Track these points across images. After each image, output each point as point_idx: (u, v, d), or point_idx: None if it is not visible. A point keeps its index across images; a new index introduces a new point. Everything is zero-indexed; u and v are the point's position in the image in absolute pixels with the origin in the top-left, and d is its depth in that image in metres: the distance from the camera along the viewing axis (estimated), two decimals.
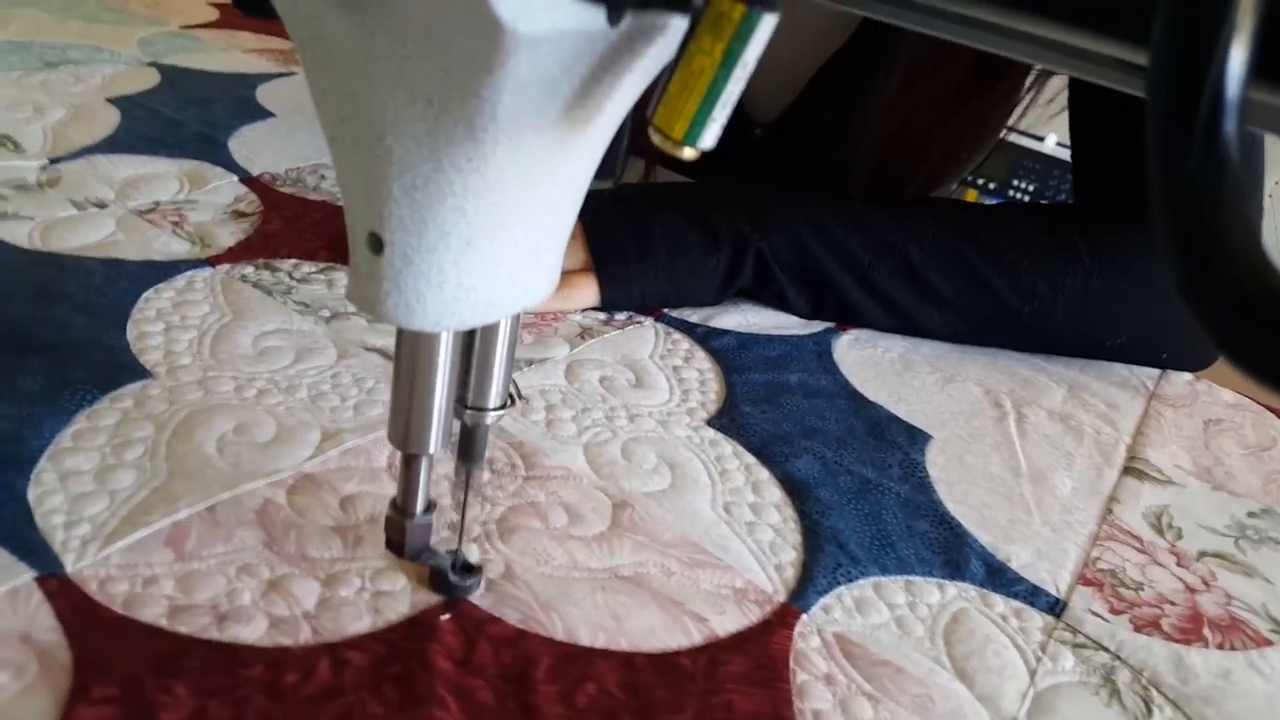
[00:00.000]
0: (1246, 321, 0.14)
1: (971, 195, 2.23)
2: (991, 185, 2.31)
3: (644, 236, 0.61)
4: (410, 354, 0.31)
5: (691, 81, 0.21)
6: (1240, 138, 0.14)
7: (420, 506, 0.35)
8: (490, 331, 0.33)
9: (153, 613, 0.33)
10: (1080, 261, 0.63)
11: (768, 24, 0.21)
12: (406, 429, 0.32)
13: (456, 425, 0.35)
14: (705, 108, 0.21)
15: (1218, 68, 0.14)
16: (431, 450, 0.33)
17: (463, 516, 0.36)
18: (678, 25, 0.23)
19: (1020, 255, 0.63)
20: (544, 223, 0.28)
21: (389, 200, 0.25)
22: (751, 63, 0.21)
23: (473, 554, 0.38)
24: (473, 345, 0.33)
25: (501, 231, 0.26)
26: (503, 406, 0.34)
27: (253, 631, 0.33)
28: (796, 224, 0.62)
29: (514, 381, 0.34)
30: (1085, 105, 0.71)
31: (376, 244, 0.26)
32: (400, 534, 0.35)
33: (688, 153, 0.22)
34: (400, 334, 0.31)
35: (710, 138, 0.22)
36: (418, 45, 0.23)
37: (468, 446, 0.35)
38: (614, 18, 0.22)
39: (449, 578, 0.36)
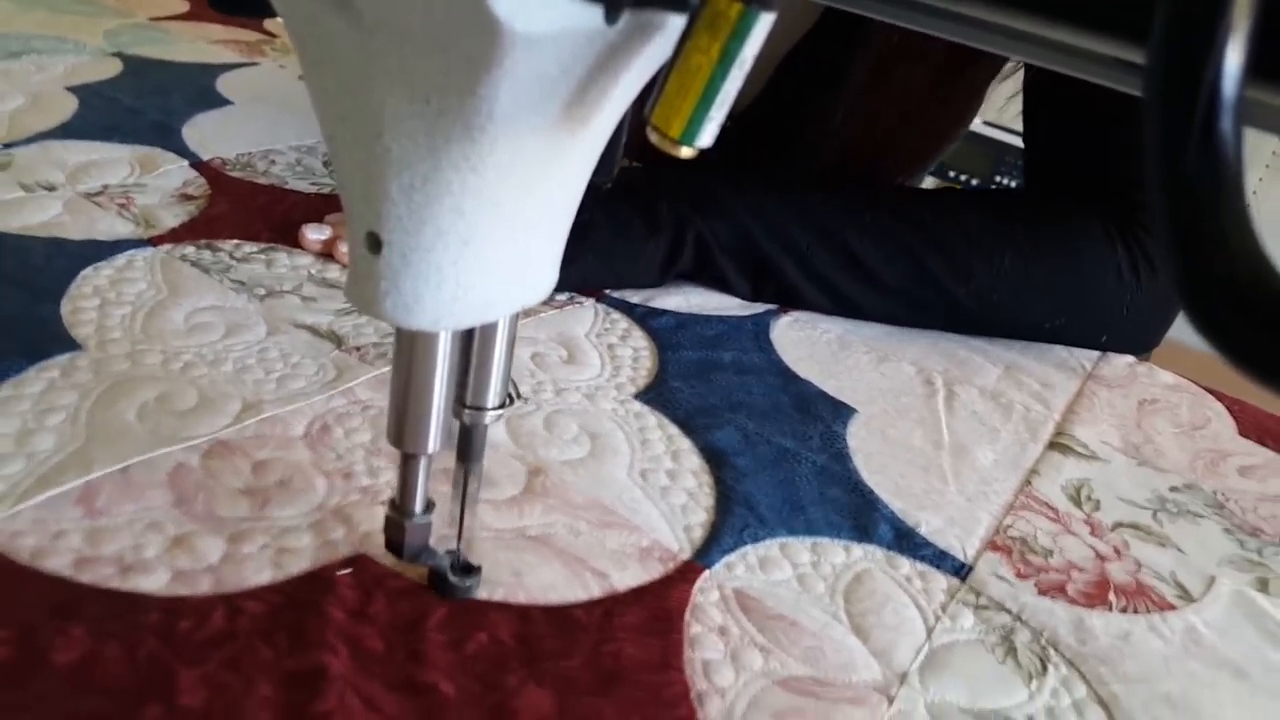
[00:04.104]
0: (1244, 320, 0.14)
1: None
2: (975, 181, 2.32)
3: (584, 221, 0.62)
4: (408, 353, 0.31)
5: (688, 80, 0.21)
6: (1237, 136, 0.14)
7: (419, 507, 0.35)
8: (489, 330, 0.33)
9: (58, 564, 0.34)
10: (1018, 243, 0.64)
11: (765, 22, 0.21)
12: (404, 428, 0.32)
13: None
14: (703, 106, 0.21)
15: (1215, 66, 0.14)
16: (430, 450, 0.33)
17: (461, 517, 0.36)
18: (675, 24, 0.23)
19: (958, 237, 0.64)
20: (542, 222, 0.28)
21: (387, 200, 0.25)
22: (749, 61, 0.21)
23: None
24: (471, 344, 0.33)
25: (500, 231, 0.27)
26: (502, 405, 0.34)
27: (154, 582, 0.34)
28: (737, 208, 0.63)
29: (513, 380, 0.35)
30: (1038, 91, 0.72)
31: (374, 243, 0.26)
32: (399, 534, 0.35)
33: (685, 151, 0.22)
34: (398, 333, 0.31)
35: (708, 136, 0.22)
36: (416, 44, 0.23)
37: (466, 446, 0.35)
38: (611, 16, 0.23)
39: (448, 578, 0.36)
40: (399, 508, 0.35)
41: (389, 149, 0.25)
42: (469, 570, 0.37)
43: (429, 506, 0.35)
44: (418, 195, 0.25)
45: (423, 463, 0.34)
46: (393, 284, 0.27)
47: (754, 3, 0.20)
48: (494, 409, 0.34)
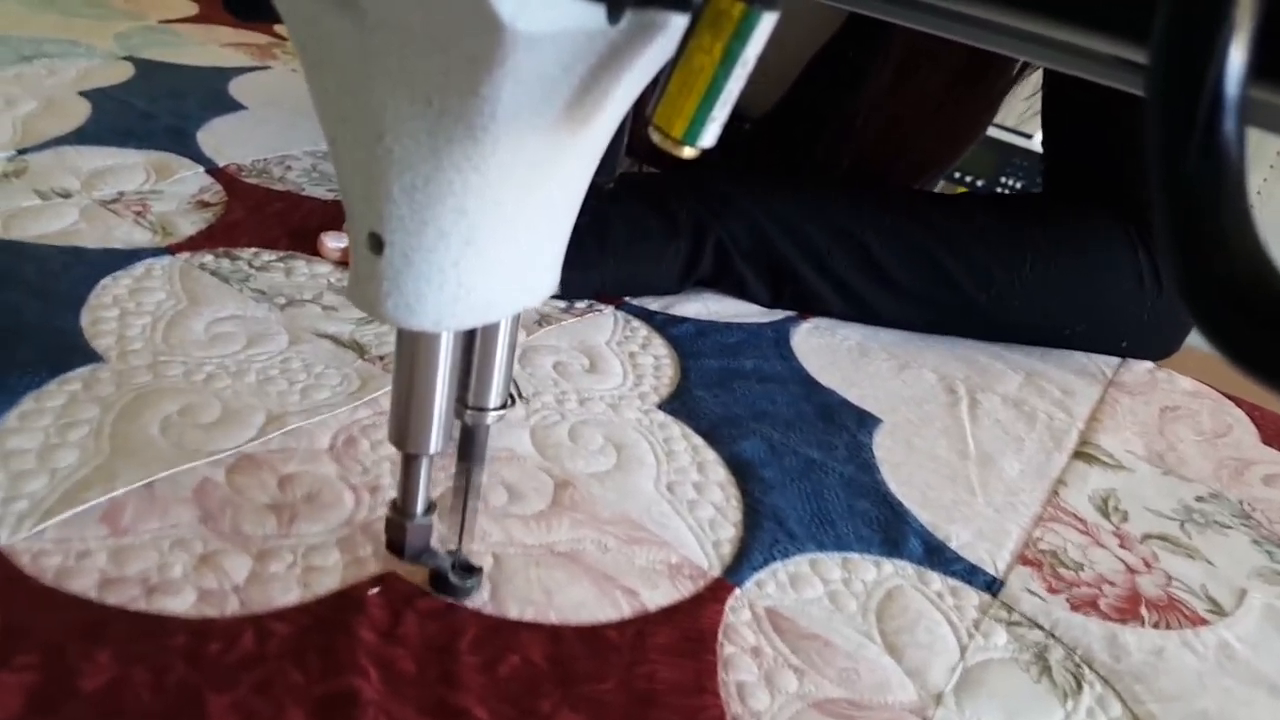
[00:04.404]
0: (1245, 320, 0.14)
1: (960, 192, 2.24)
2: (980, 182, 2.31)
3: (603, 225, 0.61)
4: (410, 354, 0.31)
5: (691, 80, 0.21)
6: (1240, 137, 0.14)
7: (420, 507, 0.35)
8: (490, 331, 0.33)
9: (83, 584, 0.34)
10: (1038, 249, 0.64)
11: (768, 22, 0.20)
12: (406, 429, 0.32)
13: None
14: (705, 106, 0.21)
15: (1217, 67, 0.14)
16: (431, 450, 0.33)
17: (463, 517, 0.36)
18: (677, 23, 0.23)
19: (977, 242, 0.63)
20: (544, 222, 0.28)
21: (389, 200, 0.25)
22: (752, 61, 0.21)
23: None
24: (473, 345, 0.33)
25: (501, 231, 0.26)
26: (503, 406, 0.34)
27: (180, 603, 0.34)
28: (756, 213, 0.63)
29: (514, 381, 0.34)
30: (1058, 97, 0.71)
31: (376, 244, 0.26)
32: (400, 535, 0.35)
33: (688, 152, 0.22)
34: (400, 334, 0.31)
35: (710, 136, 0.22)
36: (417, 45, 0.23)
37: (468, 447, 0.35)
38: (613, 16, 0.22)
39: (449, 579, 0.36)
40: (400, 509, 0.35)
41: (390, 150, 0.25)
42: (469, 571, 0.37)
43: (430, 507, 0.35)
44: (419, 195, 0.25)
45: (424, 463, 0.34)
46: (394, 284, 0.26)
47: (757, 2, 0.20)
48: (496, 409, 0.34)
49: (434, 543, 0.36)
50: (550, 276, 0.30)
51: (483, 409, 0.34)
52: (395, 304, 0.27)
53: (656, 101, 0.22)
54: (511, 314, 0.31)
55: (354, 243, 0.27)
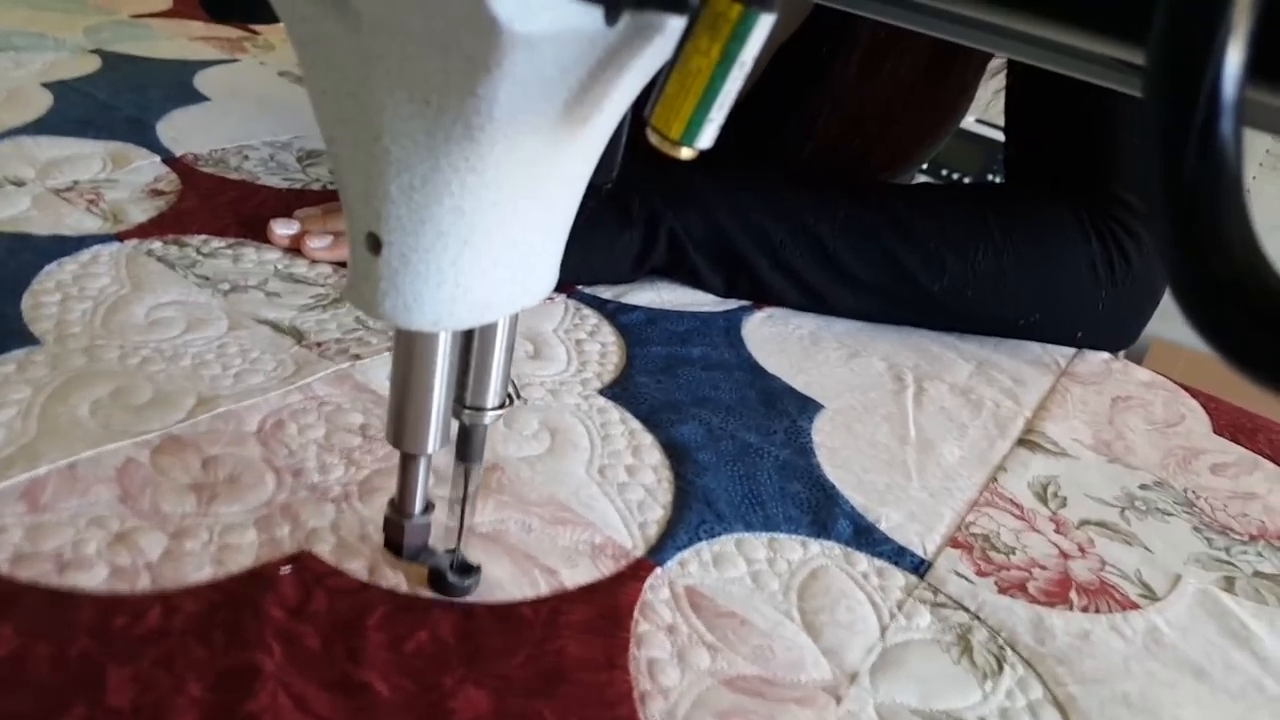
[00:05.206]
0: (1244, 320, 0.14)
1: None
2: (966, 179, 2.31)
3: None
4: (407, 353, 0.31)
5: (688, 81, 0.21)
6: (1238, 137, 0.14)
7: (418, 507, 0.35)
8: (488, 331, 0.33)
9: None
10: (991, 238, 0.64)
11: (765, 24, 0.21)
12: (403, 429, 0.32)
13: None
14: (703, 108, 0.21)
15: (1215, 68, 0.14)
16: (429, 450, 0.33)
17: (461, 516, 0.36)
18: (675, 25, 0.23)
19: (931, 232, 0.63)
20: (542, 222, 0.28)
21: (387, 200, 0.26)
22: (749, 62, 0.21)
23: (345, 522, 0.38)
24: (471, 345, 0.33)
25: (499, 231, 0.27)
26: (501, 406, 0.35)
27: (91, 579, 0.34)
28: (710, 203, 0.63)
29: (512, 381, 0.35)
30: (1021, 87, 0.71)
31: (374, 244, 0.27)
32: (399, 534, 0.35)
33: (685, 152, 0.22)
34: (398, 333, 0.31)
35: (708, 138, 0.22)
36: (416, 46, 0.23)
37: (466, 446, 0.35)
38: (611, 18, 0.23)
39: (447, 578, 0.36)
40: (398, 508, 0.35)
41: (388, 150, 0.25)
42: (468, 570, 0.37)
43: (428, 507, 0.36)
44: (417, 196, 0.25)
45: (422, 463, 0.34)
46: (392, 284, 0.27)
47: (754, 4, 0.20)
48: (493, 409, 0.34)
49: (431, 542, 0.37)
50: (548, 276, 0.30)
51: (480, 409, 0.34)
52: (393, 304, 0.27)
53: (654, 103, 0.22)
54: (509, 314, 0.31)
55: (352, 243, 0.27)
